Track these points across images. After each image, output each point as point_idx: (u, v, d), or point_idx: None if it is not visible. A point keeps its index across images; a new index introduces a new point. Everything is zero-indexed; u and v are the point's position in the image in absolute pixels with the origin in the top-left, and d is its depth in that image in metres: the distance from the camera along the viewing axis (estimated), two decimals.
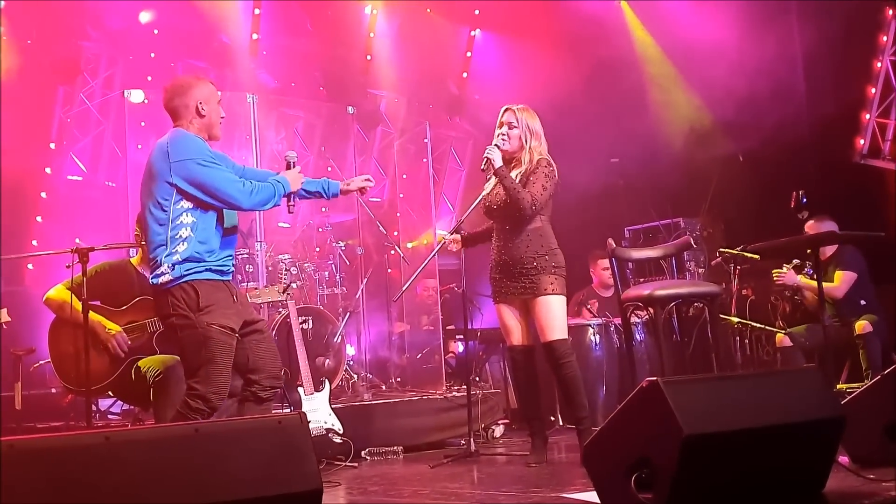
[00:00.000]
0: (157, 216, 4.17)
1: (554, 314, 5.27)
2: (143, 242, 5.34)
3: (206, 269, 4.17)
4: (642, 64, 8.82)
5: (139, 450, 2.69)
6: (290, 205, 4.46)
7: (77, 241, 7.47)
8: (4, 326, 5.35)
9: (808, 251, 6.39)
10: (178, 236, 4.14)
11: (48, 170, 8.31)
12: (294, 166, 4.52)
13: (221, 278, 4.25)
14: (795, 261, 6.72)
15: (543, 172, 5.28)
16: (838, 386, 6.27)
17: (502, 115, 5.41)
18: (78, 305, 4.95)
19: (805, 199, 5.70)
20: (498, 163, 5.28)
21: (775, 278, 6.82)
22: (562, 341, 5.28)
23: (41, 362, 6.25)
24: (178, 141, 4.22)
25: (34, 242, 7.78)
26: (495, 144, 5.33)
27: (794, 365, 6.63)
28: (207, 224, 4.20)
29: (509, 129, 5.35)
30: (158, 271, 4.16)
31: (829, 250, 6.84)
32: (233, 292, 4.29)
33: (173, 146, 4.19)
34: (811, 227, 6.63)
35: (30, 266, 7.83)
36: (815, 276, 6.65)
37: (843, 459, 4.02)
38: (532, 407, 5.53)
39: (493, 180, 5.43)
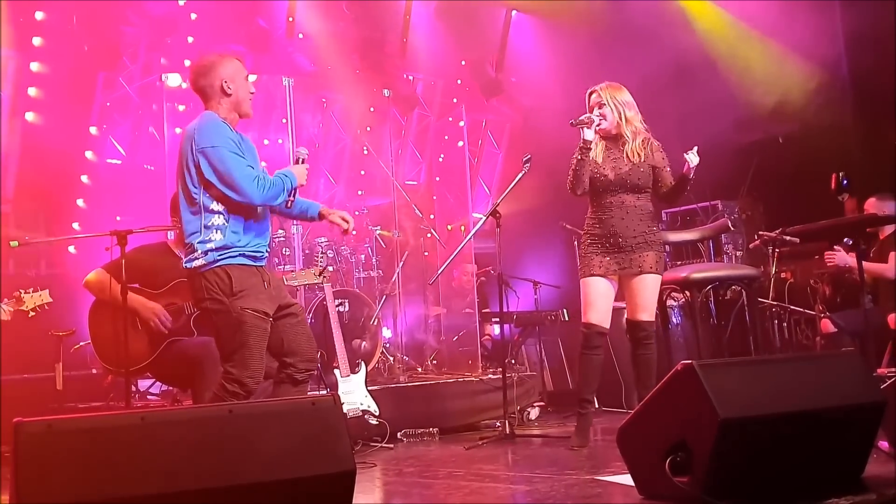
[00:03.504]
0: (190, 203, 4.19)
1: (651, 294, 5.25)
2: (179, 225, 5.40)
3: (240, 255, 4.19)
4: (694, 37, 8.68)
5: (174, 430, 2.73)
6: (289, 199, 4.29)
7: (118, 218, 7.60)
8: (46, 308, 5.41)
9: (868, 229, 6.30)
10: (211, 224, 4.16)
11: (89, 154, 8.40)
12: (303, 163, 4.42)
13: (254, 263, 4.26)
14: (847, 240, 6.60)
15: (662, 154, 5.29)
16: (879, 370, 6.17)
17: (588, 99, 5.33)
18: (117, 287, 5.01)
19: (846, 182, 5.60)
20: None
21: (826, 260, 6.72)
22: (651, 323, 5.28)
23: (82, 343, 6.33)
24: (203, 127, 4.20)
25: (75, 226, 7.87)
26: (595, 122, 5.23)
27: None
28: (240, 212, 4.20)
29: (600, 108, 5.27)
30: (192, 255, 4.19)
31: (888, 229, 6.72)
32: (265, 278, 4.28)
33: (199, 132, 4.17)
34: (872, 204, 6.53)
35: (71, 249, 7.92)
36: (870, 255, 6.56)
37: (883, 444, 3.97)
38: (588, 389, 5.37)
39: (599, 151, 5.30)
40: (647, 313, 5.26)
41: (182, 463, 2.66)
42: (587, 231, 5.38)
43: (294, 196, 4.32)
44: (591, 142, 5.22)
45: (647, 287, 5.23)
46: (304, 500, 2.84)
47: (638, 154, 5.23)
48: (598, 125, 5.23)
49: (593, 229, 5.34)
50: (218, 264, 4.14)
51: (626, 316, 5.34)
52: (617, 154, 5.28)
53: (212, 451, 2.73)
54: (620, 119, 5.25)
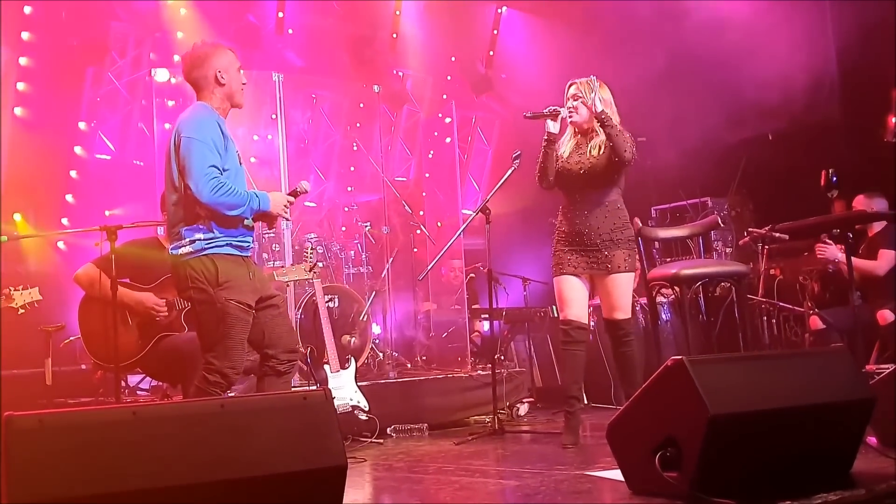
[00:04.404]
0: (174, 190, 4.19)
1: (625, 292, 5.20)
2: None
3: (227, 245, 4.18)
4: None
5: (166, 425, 2.72)
6: (251, 220, 4.26)
7: (107, 213, 7.57)
8: (36, 305, 5.40)
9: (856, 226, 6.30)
10: (196, 213, 4.15)
11: (77, 149, 8.37)
12: (296, 195, 4.43)
13: (241, 254, 4.25)
14: (836, 231, 6.59)
15: (625, 131, 5.14)
16: (867, 367, 6.20)
17: (567, 91, 5.27)
18: (106, 282, 4.99)
19: (835, 178, 5.62)
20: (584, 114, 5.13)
21: (817, 253, 6.73)
22: (628, 320, 5.25)
23: (71, 338, 6.32)
24: (190, 118, 4.21)
25: (64, 221, 7.85)
26: (567, 114, 5.20)
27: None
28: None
29: (574, 100, 5.22)
30: (178, 243, 4.18)
31: (877, 226, 6.73)
32: (250, 269, 4.28)
33: (185, 122, 4.19)
34: (860, 201, 6.55)
35: (60, 245, 7.90)
36: (858, 251, 6.57)
37: (871, 440, 3.99)
38: (575, 386, 5.36)
39: (569, 145, 5.28)
40: (622, 312, 5.22)
41: (173, 458, 2.65)
42: (557, 228, 5.36)
43: (250, 220, 4.26)
44: (556, 134, 5.19)
45: (619, 286, 5.19)
46: (295, 495, 2.84)
47: (600, 148, 5.17)
48: (563, 118, 5.19)
49: (562, 226, 5.32)
50: (205, 253, 4.13)
51: (602, 315, 5.34)
52: (584, 150, 5.24)
53: (203, 445, 2.72)
54: (592, 114, 5.16)
